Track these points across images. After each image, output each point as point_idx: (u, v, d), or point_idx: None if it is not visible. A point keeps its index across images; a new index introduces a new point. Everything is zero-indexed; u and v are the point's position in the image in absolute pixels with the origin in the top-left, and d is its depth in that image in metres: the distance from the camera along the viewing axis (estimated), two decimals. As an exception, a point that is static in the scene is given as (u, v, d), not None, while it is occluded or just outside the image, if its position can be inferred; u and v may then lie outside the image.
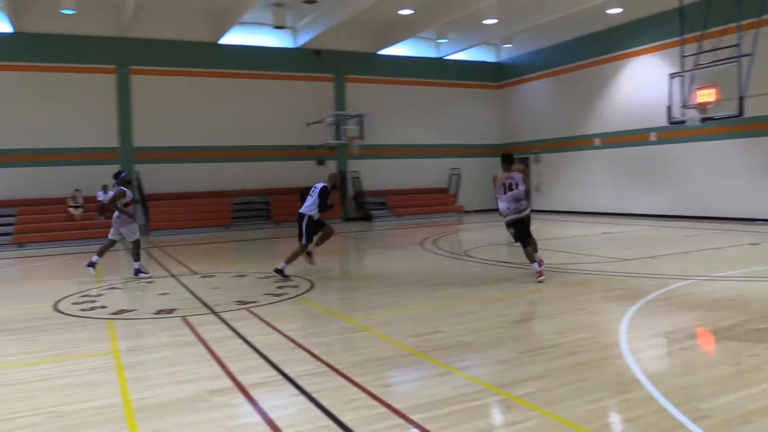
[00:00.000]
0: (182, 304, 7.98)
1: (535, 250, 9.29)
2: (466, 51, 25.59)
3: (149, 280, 10.27)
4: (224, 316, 7.13)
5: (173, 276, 10.52)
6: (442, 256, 12.57)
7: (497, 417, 4.00)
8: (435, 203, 24.98)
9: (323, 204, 9.89)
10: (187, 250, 15.18)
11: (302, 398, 4.34)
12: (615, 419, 3.93)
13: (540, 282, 8.78)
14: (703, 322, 6.36)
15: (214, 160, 21.77)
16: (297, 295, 8.40)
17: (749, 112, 14.40)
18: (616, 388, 4.38)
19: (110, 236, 10.71)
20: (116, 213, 10.67)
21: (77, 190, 19.09)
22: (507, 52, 26.69)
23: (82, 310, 7.78)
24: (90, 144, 20.01)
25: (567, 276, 9.56)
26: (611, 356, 5.19)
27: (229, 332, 6.35)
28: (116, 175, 11.06)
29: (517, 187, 9.10)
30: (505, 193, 9.17)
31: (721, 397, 4.12)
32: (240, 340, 6.00)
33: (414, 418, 3.92)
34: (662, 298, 7.50)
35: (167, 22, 20.68)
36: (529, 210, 9.26)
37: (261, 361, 5.29)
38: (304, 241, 10.08)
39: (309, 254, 10.41)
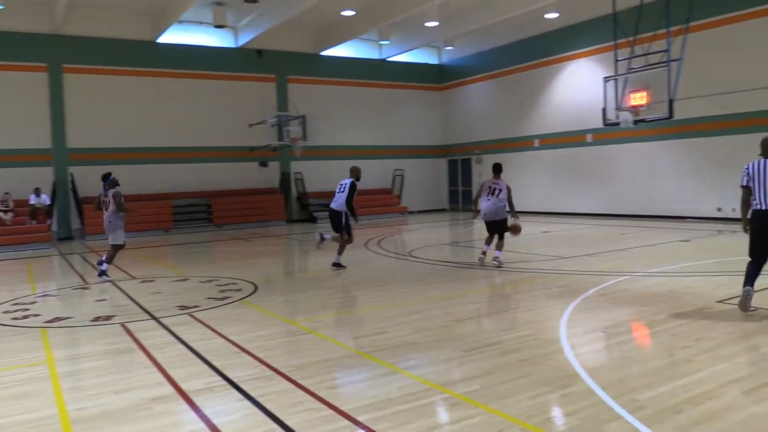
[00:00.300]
0: (121, 310, 7.75)
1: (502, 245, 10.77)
2: (408, 53, 25.80)
3: (109, 282, 10.14)
4: (165, 321, 6.96)
5: (111, 281, 10.20)
6: (387, 257, 12.62)
7: (442, 415, 4.05)
8: (379, 204, 25.06)
9: (351, 198, 10.66)
10: (125, 254, 14.71)
11: (247, 403, 4.29)
12: (556, 413, 4.03)
13: (498, 266, 10.25)
14: (638, 317, 6.60)
15: (153, 162, 21.21)
16: (240, 299, 8.28)
17: (678, 114, 15.02)
18: (557, 383, 4.49)
19: (115, 241, 10.58)
20: (110, 218, 10.46)
21: (6, 194, 18.28)
22: (449, 55, 27.05)
23: (14, 318, 7.46)
24: (20, 145, 19.18)
25: (508, 274, 9.75)
26: (552, 352, 5.32)
27: (171, 338, 6.21)
28: (106, 177, 10.77)
29: (500, 193, 10.54)
30: (488, 196, 10.58)
31: (655, 388, 4.29)
32: (182, 346, 5.87)
33: (360, 419, 3.92)
34: (599, 294, 7.74)
35: (103, 19, 20.03)
36: (506, 215, 10.72)
37: (204, 366, 5.19)
38: (347, 236, 10.84)
39: (323, 239, 11.15)
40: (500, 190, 10.53)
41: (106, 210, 10.55)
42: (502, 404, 4.09)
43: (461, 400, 4.22)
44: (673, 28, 14.68)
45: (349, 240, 10.91)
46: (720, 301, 7.05)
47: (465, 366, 5.02)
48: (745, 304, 6.23)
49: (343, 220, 10.73)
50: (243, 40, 22.09)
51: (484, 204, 10.59)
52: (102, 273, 10.33)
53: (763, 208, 6.15)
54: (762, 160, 6.36)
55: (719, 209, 17.26)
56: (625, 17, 15.67)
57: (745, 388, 4.23)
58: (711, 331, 5.78)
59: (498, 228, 10.62)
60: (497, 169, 11.09)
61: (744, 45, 16.48)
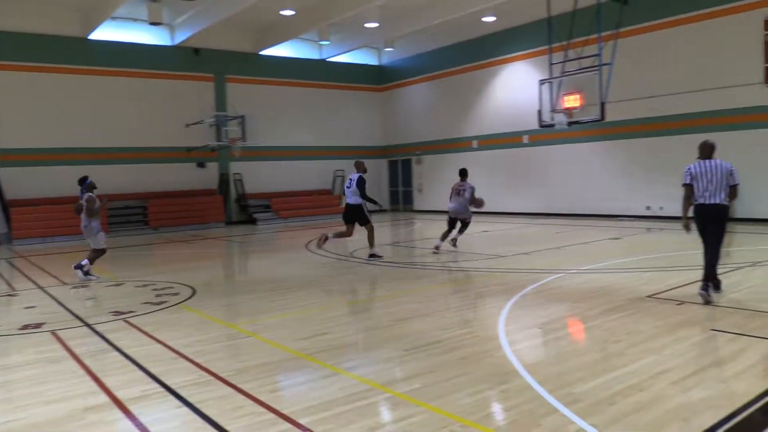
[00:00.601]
0: (51, 317, 7.45)
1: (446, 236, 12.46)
2: (348, 53, 25.79)
3: (90, 280, 10.13)
4: (98, 328, 6.73)
5: (40, 288, 9.80)
6: (328, 258, 12.58)
7: (385, 415, 4.07)
8: (320, 205, 24.96)
9: (363, 191, 11.64)
10: (55, 259, 14.20)
11: (185, 410, 4.20)
12: (495, 409, 4.11)
13: (435, 252, 11.94)
14: (572, 313, 6.81)
15: (85, 163, 20.39)
16: (178, 303, 8.10)
17: (609, 116, 15.59)
18: (496, 379, 4.59)
19: (97, 245, 10.46)
20: (85, 222, 10.26)
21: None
22: (389, 56, 27.19)
23: (-67, 328, 7.07)
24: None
25: (449, 273, 9.89)
26: (491, 349, 5.43)
27: (105, 345, 6.02)
28: (82, 181, 10.50)
29: (464, 193, 12.32)
30: (455, 197, 12.41)
31: (590, 382, 4.44)
32: (116, 353, 5.69)
33: (302, 421, 3.90)
34: (536, 292, 7.94)
35: (31, 13, 19.18)
36: (470, 214, 12.67)
37: (140, 373, 5.05)
38: (367, 222, 11.77)
39: (325, 240, 11.87)
40: (464, 190, 12.33)
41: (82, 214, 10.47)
42: (442, 402, 4.15)
43: (403, 399, 4.26)
44: (605, 34, 15.23)
45: (371, 226, 11.89)
46: (649, 296, 7.35)
47: (406, 365, 5.07)
48: (706, 297, 6.85)
49: (360, 212, 11.70)
50: (180, 38, 21.59)
51: (451, 204, 12.41)
52: (86, 273, 10.25)
53: (705, 202, 6.97)
54: (702, 162, 7.08)
55: (648, 208, 17.98)
56: (559, 22, 16.14)
57: (672, 379, 4.43)
58: (641, 325, 6.02)
59: (463, 225, 12.64)
60: (462, 173, 12.81)
61: (670, 51, 17.23)
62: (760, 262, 9.67)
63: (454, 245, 12.49)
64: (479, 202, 12.43)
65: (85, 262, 10.31)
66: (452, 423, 3.81)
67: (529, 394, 4.24)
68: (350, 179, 11.88)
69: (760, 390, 4.15)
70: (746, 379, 4.40)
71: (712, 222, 7.04)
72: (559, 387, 4.35)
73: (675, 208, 17.16)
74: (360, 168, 12.03)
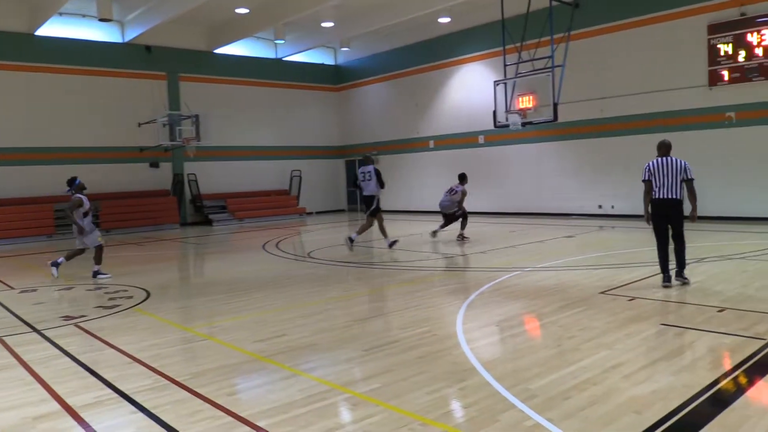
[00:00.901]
0: (-3, 323, 7.19)
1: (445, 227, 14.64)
2: (304, 53, 25.65)
3: (108, 278, 10.13)
4: (48, 333, 6.54)
5: (109, 277, 9.50)
6: (286, 259, 12.50)
7: (344, 415, 4.07)
8: (277, 205, 24.76)
9: (382, 181, 12.83)
10: (1, 263, 13.72)
11: (141, 416, 4.11)
12: (454, 406, 4.16)
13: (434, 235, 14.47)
14: (528, 310, 6.93)
15: (32, 163, 19.82)
16: (131, 306, 7.92)
17: (562, 117, 15.91)
18: (454, 377, 4.64)
19: (77, 245, 10.48)
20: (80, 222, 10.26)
21: None
22: (345, 56, 27.15)
23: None
24: None
25: (406, 273, 9.94)
26: (449, 347, 5.48)
27: (55, 351, 5.84)
28: (71, 182, 10.37)
29: (455, 195, 14.13)
30: (446, 194, 14.37)
31: (545, 377, 4.53)
32: (67, 359, 5.54)
33: (260, 424, 3.87)
34: (493, 290, 8.05)
35: (-29, 8, 18.51)
36: (457, 210, 14.21)
37: (92, 379, 4.92)
38: (378, 212, 12.91)
39: (352, 240, 12.80)
40: (455, 192, 14.14)
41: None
42: (401, 401, 4.17)
43: (362, 399, 4.27)
44: (557, 36, 15.54)
45: (381, 217, 13.01)
46: (602, 293, 7.53)
47: (365, 365, 5.07)
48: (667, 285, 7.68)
49: (375, 202, 12.80)
50: (131, 35, 21.11)
51: (441, 198, 14.45)
52: (96, 273, 10.29)
53: (662, 197, 7.64)
54: (660, 159, 7.85)
55: (600, 206, 18.43)
56: (513, 24, 16.39)
57: (624, 373, 4.55)
58: (594, 321, 6.16)
59: (448, 220, 14.47)
60: (461, 177, 14.40)
61: (620, 53, 17.69)
62: (705, 258, 10.02)
63: (462, 238, 13.96)
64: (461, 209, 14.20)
65: (97, 268, 10.45)
66: (412, 422, 3.83)
67: (486, 391, 4.30)
68: (365, 172, 12.94)
69: (707, 382, 4.31)
70: (694, 371, 4.55)
71: (667, 215, 7.67)
72: (516, 383, 4.42)
73: (626, 206, 17.70)
74: (371, 161, 13.37)
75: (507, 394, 4.21)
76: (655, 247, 7.94)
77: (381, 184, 12.83)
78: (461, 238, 13.99)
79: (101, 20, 19.06)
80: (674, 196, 7.56)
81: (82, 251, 10.74)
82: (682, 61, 16.44)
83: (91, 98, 20.83)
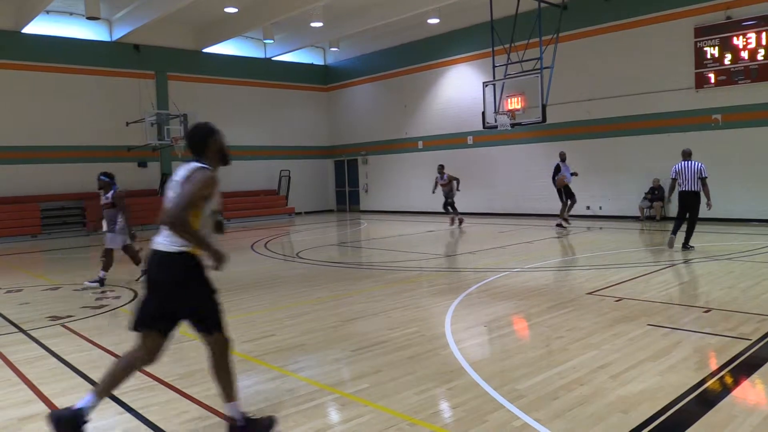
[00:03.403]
0: (-18, 323, 7.12)
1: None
2: (293, 53, 25.61)
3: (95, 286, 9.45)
4: (35, 334, 6.48)
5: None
6: (274, 259, 12.47)
7: (333, 416, 4.07)
8: (265, 205, 24.70)
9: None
10: (-14, 262, 13.59)
11: (128, 416, 4.09)
12: (442, 406, 4.16)
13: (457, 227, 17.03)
14: (517, 310, 6.96)
15: (19, 162, 19.64)
16: (119, 307, 7.88)
17: (550, 119, 15.98)
18: (443, 378, 4.64)
19: (108, 244, 9.87)
20: (111, 218, 9.91)
21: None
22: (334, 56, 27.13)
23: None
24: None
25: (395, 273, 9.94)
26: (437, 347, 5.49)
27: (41, 351, 5.80)
28: (110, 176, 9.92)
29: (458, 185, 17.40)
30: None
31: (533, 377, 4.55)
32: (54, 360, 5.50)
33: (249, 424, 3.85)
34: (482, 290, 8.08)
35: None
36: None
37: (79, 380, 4.89)
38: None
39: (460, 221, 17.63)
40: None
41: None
42: (390, 401, 4.18)
43: (351, 399, 4.26)
44: (545, 38, 15.60)
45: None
46: (589, 293, 7.57)
47: (353, 366, 5.07)
48: (671, 244, 11.10)
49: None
50: (119, 33, 20.98)
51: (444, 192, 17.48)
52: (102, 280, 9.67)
53: (685, 189, 10.77)
54: (683, 162, 10.91)
55: (588, 208, 18.52)
56: (501, 26, 16.44)
57: (611, 373, 4.58)
58: (582, 321, 6.20)
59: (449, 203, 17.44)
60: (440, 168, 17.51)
61: (607, 56, 17.80)
62: (692, 259, 10.10)
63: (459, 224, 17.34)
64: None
65: (102, 274, 9.68)
66: (400, 422, 3.84)
67: (475, 391, 4.31)
68: (442, 176, 17.25)
69: (693, 382, 4.35)
70: (680, 371, 4.59)
71: (686, 203, 10.84)
72: (504, 383, 4.44)
73: (613, 207, 17.81)
74: (443, 169, 17.40)
75: (495, 395, 4.22)
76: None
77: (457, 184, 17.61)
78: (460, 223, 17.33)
79: (89, 18, 18.91)
80: (694, 189, 10.69)
81: (111, 252, 9.95)
82: (669, 63, 16.57)
83: (78, 97, 20.69)
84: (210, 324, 3.67)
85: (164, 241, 3.57)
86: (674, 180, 10.97)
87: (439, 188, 17.58)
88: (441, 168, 17.59)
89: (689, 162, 10.84)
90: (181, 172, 3.65)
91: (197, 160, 3.72)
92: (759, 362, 4.79)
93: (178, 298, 3.57)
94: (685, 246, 10.91)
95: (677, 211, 11.21)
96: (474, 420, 3.82)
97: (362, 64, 25.98)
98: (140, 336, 3.62)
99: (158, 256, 3.58)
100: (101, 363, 5.34)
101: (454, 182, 17.33)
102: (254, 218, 23.42)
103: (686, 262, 9.83)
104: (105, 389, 3.64)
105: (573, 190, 16.06)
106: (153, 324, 3.58)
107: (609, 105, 17.81)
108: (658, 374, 4.54)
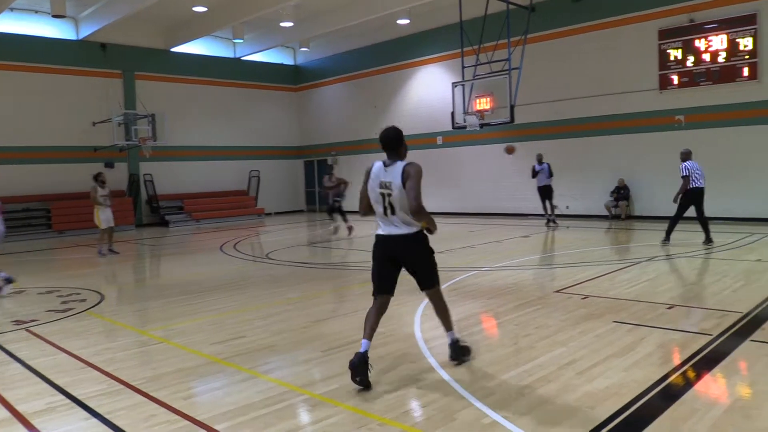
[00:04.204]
0: (-58, 328, 6.94)
1: None
2: (263, 52, 25.45)
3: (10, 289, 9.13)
4: (-3, 338, 6.35)
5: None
6: (244, 260, 12.39)
7: (303, 416, 4.07)
8: (235, 206, 24.50)
9: None
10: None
11: (94, 421, 4.03)
12: (413, 405, 4.19)
13: None
14: (486, 309, 7.03)
15: (-21, 163, 19.18)
16: (85, 310, 7.75)
17: (519, 119, 16.15)
18: (413, 377, 4.67)
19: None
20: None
21: None
22: (304, 56, 27.03)
23: None
24: None
25: (364, 273, 9.90)
26: (407, 347, 5.52)
27: (4, 357, 5.67)
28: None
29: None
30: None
31: (502, 375, 4.60)
32: (18, 365, 5.39)
33: (218, 427, 3.84)
34: (451, 289, 8.13)
35: None
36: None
37: (44, 385, 4.80)
38: None
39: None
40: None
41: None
42: (360, 401, 4.19)
43: (321, 400, 4.27)
44: (513, 39, 15.76)
45: None
46: (557, 291, 7.69)
47: (324, 366, 5.08)
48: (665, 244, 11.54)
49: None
50: (85, 32, 20.61)
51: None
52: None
53: (698, 186, 11.21)
54: (690, 162, 11.35)
55: (555, 206, 18.75)
56: (471, 27, 16.56)
57: (578, 370, 4.66)
58: (549, 319, 6.29)
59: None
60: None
61: (574, 57, 18.06)
62: (656, 257, 10.31)
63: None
64: None
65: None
66: (370, 422, 3.85)
67: (444, 390, 4.35)
68: (539, 167, 16.07)
69: (657, 377, 4.45)
70: (645, 367, 4.69)
71: (699, 199, 11.35)
72: (473, 382, 4.49)
73: (580, 206, 18.08)
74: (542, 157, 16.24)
75: (464, 393, 4.26)
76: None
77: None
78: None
79: (54, 17, 18.59)
80: (703, 185, 11.31)
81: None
82: (634, 65, 16.88)
83: (43, 96, 20.27)
84: (432, 278, 4.88)
85: (400, 226, 4.67)
86: (686, 178, 11.20)
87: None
88: (330, 168, 17.80)
89: (694, 162, 11.38)
90: (393, 171, 4.66)
91: (392, 156, 4.71)
92: (720, 357, 4.92)
93: (419, 263, 4.80)
94: (709, 240, 11.48)
95: (678, 210, 11.48)
96: (444, 418, 3.86)
97: (333, 64, 25.93)
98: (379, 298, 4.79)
99: (402, 238, 4.68)
100: (66, 368, 5.26)
101: (342, 185, 16.46)
102: (223, 219, 23.21)
103: (650, 260, 10.03)
104: None
105: (552, 192, 16.32)
106: (392, 290, 4.84)
107: (576, 105, 18.08)
108: (623, 370, 4.63)
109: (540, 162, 16.14)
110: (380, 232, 4.82)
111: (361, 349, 4.52)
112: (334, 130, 26.13)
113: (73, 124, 20.77)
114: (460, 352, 4.97)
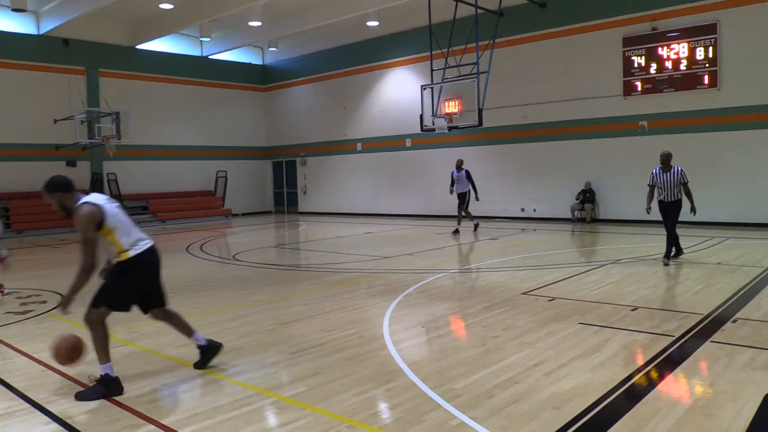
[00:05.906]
0: None
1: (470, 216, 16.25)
2: (231, 51, 25.21)
3: None
4: (-48, 341, 6.14)
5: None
6: (210, 261, 12.24)
7: (270, 419, 4.03)
8: (201, 207, 24.20)
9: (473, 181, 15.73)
10: None
11: (55, 426, 3.93)
12: (381, 407, 4.18)
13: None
14: (454, 311, 7.06)
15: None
16: (45, 312, 7.55)
17: (486, 122, 16.27)
18: (381, 379, 4.67)
19: None
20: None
21: None
22: (273, 56, 26.85)
23: None
24: None
25: (333, 275, 9.91)
26: (376, 349, 5.51)
27: (-41, 359, 5.50)
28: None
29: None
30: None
31: (470, 377, 4.63)
32: (-26, 368, 5.23)
33: (184, 431, 3.77)
34: (420, 291, 8.15)
35: None
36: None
37: (1, 389, 4.66)
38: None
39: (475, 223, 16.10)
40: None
41: None
42: (328, 404, 4.17)
43: (288, 403, 4.23)
44: (482, 43, 15.88)
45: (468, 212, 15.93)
46: (524, 293, 7.76)
47: (291, 368, 5.03)
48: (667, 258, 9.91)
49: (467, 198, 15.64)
50: (47, 27, 20.12)
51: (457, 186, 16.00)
52: None
53: (665, 200, 9.80)
54: (659, 170, 9.80)
55: (522, 209, 18.98)
56: (439, 30, 16.65)
57: (545, 371, 4.71)
58: (516, 320, 6.35)
59: (461, 204, 15.89)
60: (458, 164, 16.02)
61: (541, 62, 18.30)
62: (620, 259, 10.49)
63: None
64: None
65: None
66: (339, 424, 3.83)
67: (413, 392, 4.35)
68: (457, 174, 15.56)
69: (621, 377, 4.52)
70: (609, 368, 4.76)
71: (667, 211, 9.92)
72: (441, 383, 4.50)
73: (547, 209, 18.31)
74: (461, 164, 15.80)
75: (433, 394, 4.27)
76: None
77: (474, 186, 15.90)
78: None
79: (14, 10, 18.11)
80: (674, 199, 9.76)
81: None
82: (599, 71, 17.18)
83: (2, 92, 19.73)
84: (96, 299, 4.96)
85: None
86: (651, 188, 9.85)
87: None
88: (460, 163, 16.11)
89: (668, 172, 9.69)
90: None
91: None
92: (682, 357, 5.02)
93: None
94: (678, 255, 10.05)
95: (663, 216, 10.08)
96: (412, 420, 3.86)
97: (301, 65, 25.81)
98: None
99: None
100: (25, 371, 5.12)
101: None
102: (189, 220, 22.91)
103: (615, 262, 10.20)
104: None
105: (468, 199, 15.83)
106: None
107: (543, 110, 18.32)
108: (588, 371, 4.69)
109: (459, 168, 15.84)
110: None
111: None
112: (303, 131, 26.00)
113: (33, 122, 20.26)
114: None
